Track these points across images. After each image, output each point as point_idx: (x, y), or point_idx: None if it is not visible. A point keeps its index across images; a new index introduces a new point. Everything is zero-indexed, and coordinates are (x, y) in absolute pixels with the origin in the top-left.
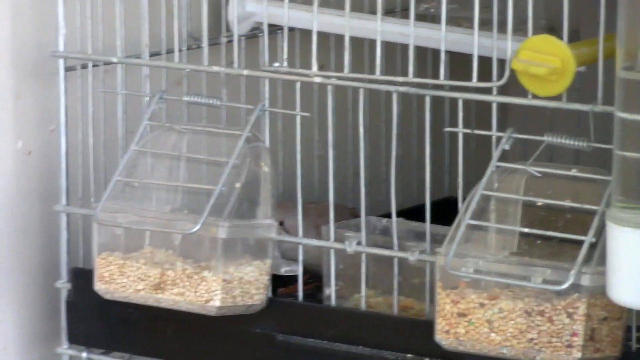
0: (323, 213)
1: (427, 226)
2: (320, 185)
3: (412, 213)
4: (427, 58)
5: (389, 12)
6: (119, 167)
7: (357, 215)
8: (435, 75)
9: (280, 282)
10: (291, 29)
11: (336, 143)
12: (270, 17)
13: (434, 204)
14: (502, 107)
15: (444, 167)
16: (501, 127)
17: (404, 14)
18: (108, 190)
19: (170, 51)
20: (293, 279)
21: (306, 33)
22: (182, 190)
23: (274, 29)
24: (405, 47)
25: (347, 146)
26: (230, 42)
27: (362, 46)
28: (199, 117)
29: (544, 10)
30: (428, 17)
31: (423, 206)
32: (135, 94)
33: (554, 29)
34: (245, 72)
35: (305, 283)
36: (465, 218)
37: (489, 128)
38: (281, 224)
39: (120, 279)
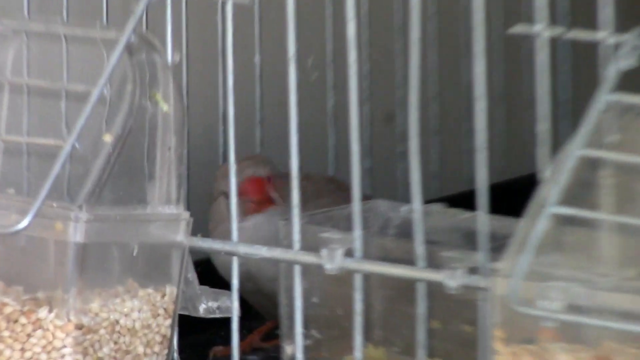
0: (321, 192)
1: (481, 219)
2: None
3: (457, 202)
4: None
5: None
6: None
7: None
8: None
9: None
10: None
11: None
12: None
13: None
14: None
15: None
16: None
17: None
18: None
19: None
20: (255, 326)
21: None
22: (29, 152)
23: None
24: None
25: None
26: None
27: None
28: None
29: None
30: None
31: (473, 192)
32: None
33: None
34: None
35: (268, 335)
36: (548, 204)
37: None
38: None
39: None
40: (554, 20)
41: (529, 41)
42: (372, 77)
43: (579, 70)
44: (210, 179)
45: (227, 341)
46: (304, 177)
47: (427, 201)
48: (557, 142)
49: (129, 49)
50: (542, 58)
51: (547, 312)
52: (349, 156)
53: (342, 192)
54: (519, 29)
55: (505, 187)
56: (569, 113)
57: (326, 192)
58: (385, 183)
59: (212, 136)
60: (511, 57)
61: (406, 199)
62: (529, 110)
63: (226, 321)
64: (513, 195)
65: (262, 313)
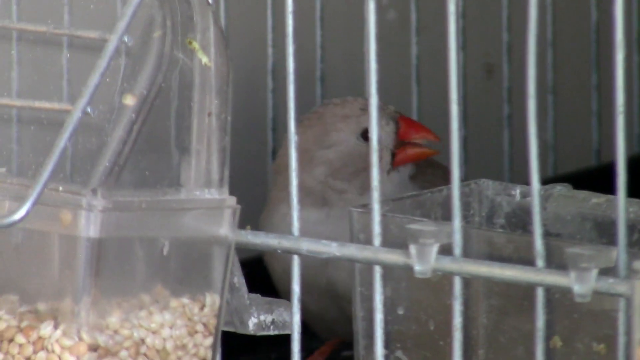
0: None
1: (619, 203)
2: None
3: (579, 181)
4: None
5: None
6: None
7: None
8: None
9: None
10: None
11: None
12: None
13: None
14: None
15: None
16: None
17: None
18: None
19: None
20: (315, 346)
21: None
22: (21, 120)
23: None
24: None
25: None
26: None
27: None
28: None
29: None
30: None
31: (607, 167)
32: None
33: None
34: None
35: (333, 357)
36: None
37: None
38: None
39: None
40: None
41: None
42: (467, 16)
43: None
44: (255, 151)
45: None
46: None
47: (544, 181)
48: None
49: None
50: None
51: None
52: (439, 121)
53: (436, 169)
54: None
55: None
56: None
57: (420, 169)
58: (485, 157)
59: (256, 97)
60: None
61: (514, 178)
62: None
63: (280, 340)
64: None
65: (317, 330)
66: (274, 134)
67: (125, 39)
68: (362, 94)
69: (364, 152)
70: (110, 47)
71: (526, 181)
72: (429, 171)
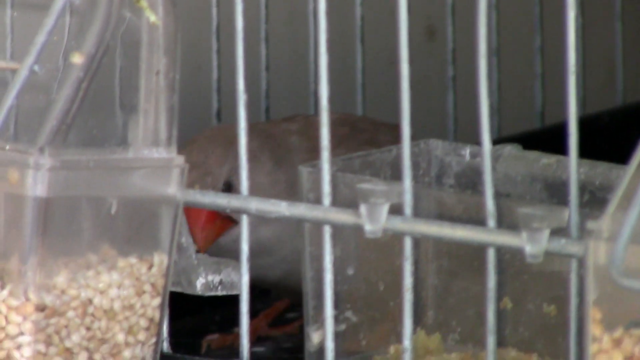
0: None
1: (571, 163)
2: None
3: (526, 141)
4: None
5: None
6: None
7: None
8: None
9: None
10: None
11: None
12: None
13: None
14: None
15: None
16: None
17: None
18: None
19: None
20: (260, 308)
21: None
22: None
23: None
24: None
25: None
26: None
27: None
28: None
29: None
30: None
31: (551, 130)
32: None
33: None
34: None
35: (277, 320)
36: None
37: None
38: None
39: None
40: None
41: None
42: None
43: None
44: (199, 112)
45: (222, 328)
46: (301, 121)
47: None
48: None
49: None
50: None
51: None
52: (383, 81)
53: (359, 134)
54: None
55: (591, 124)
56: None
57: (335, 139)
58: (429, 119)
59: (200, 58)
60: None
61: (458, 140)
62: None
63: (224, 301)
64: (598, 134)
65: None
66: (219, 95)
67: None
68: (307, 52)
69: None
70: (57, 5)
71: (470, 143)
72: (353, 139)
